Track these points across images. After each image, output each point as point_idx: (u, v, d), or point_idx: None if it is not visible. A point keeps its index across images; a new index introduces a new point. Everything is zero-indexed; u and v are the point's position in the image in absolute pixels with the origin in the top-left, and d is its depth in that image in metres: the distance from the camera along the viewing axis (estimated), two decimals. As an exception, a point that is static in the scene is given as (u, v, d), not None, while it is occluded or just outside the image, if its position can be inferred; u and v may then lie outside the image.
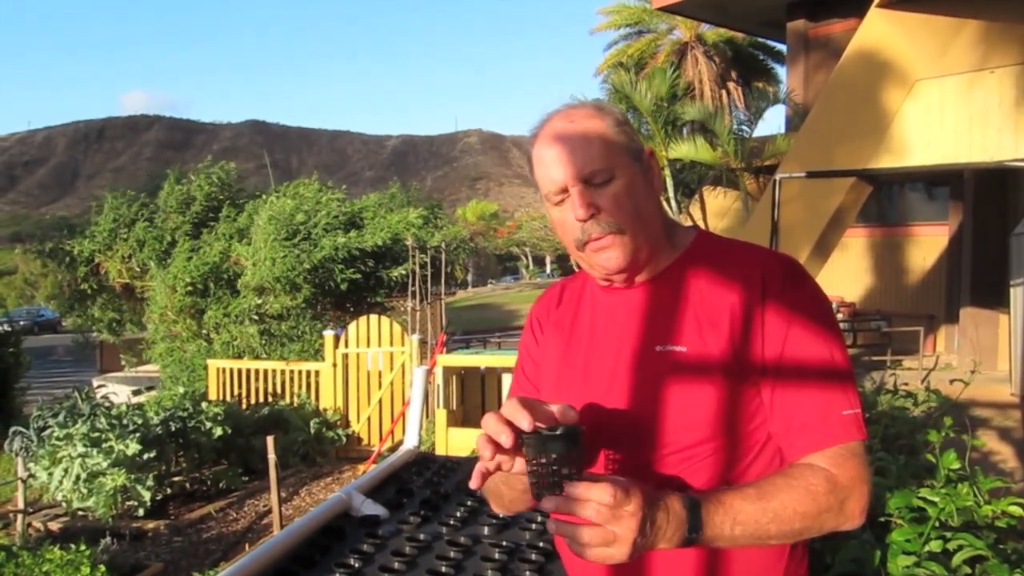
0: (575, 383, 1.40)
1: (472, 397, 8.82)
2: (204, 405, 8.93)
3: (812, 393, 1.27)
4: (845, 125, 9.28)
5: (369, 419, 9.76)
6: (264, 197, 13.46)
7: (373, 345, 9.77)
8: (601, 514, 1.09)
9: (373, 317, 9.99)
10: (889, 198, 14.25)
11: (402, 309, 12.35)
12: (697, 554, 1.27)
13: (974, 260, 11.92)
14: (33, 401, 11.59)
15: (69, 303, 15.30)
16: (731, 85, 23.69)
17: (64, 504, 7.62)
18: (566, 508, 1.11)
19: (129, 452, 7.43)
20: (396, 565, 2.22)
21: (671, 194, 17.27)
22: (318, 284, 11.53)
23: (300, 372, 10.33)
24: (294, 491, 8.32)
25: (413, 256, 11.27)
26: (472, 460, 3.54)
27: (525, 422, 1.16)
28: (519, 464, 1.21)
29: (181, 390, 9.69)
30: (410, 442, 3.53)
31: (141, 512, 7.54)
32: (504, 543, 2.40)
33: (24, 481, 7.46)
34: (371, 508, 2.71)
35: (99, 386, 12.26)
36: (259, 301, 11.34)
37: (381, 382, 9.74)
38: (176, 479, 8.36)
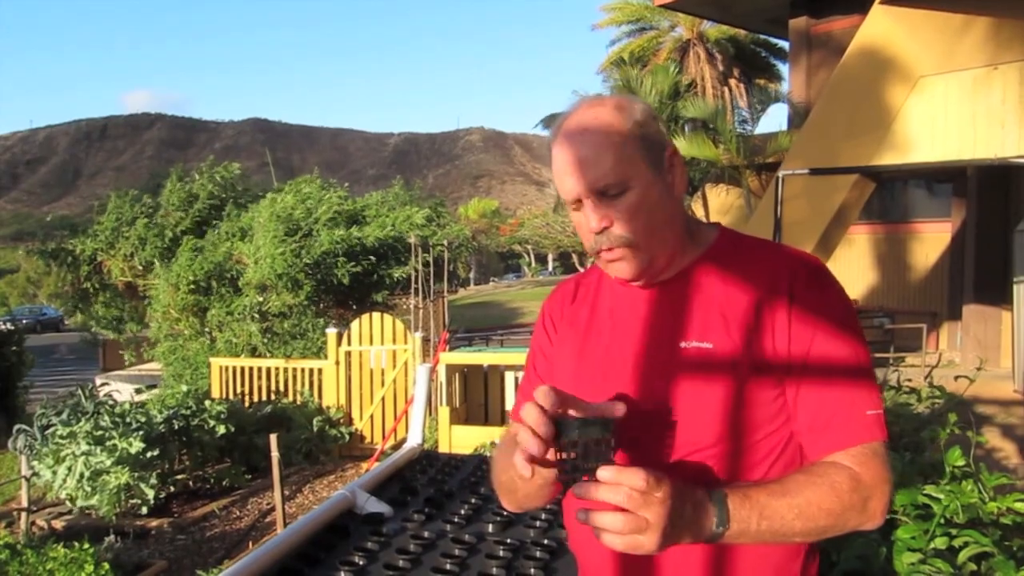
0: (594, 379, 1.38)
1: (475, 395, 8.82)
2: (207, 403, 8.93)
3: (837, 393, 1.28)
4: (848, 122, 9.25)
5: (372, 417, 9.77)
6: (267, 195, 13.47)
7: (376, 343, 9.77)
8: (633, 499, 1.08)
9: (376, 315, 9.99)
10: (892, 195, 14.22)
11: (405, 307, 12.36)
12: (711, 552, 1.27)
13: (977, 257, 11.90)
14: (36, 399, 11.61)
15: (72, 302, 15.34)
16: (733, 82, 23.67)
17: (68, 502, 7.63)
18: (597, 494, 1.10)
19: (132, 450, 7.43)
20: (401, 563, 2.22)
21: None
22: (320, 280, 11.52)
23: (303, 370, 10.33)
24: (297, 489, 8.32)
25: (416, 254, 11.27)
26: (475, 458, 3.54)
27: (561, 409, 1.18)
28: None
29: (184, 388, 9.69)
30: (414, 440, 3.53)
31: (144, 510, 7.55)
32: (509, 540, 2.40)
33: (28, 479, 7.47)
34: (375, 506, 2.71)
35: (102, 384, 12.27)
36: (261, 299, 11.35)
37: (384, 380, 9.74)
38: (179, 477, 8.37)
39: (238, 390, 10.48)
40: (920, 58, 8.68)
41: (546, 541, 2.37)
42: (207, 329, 12.05)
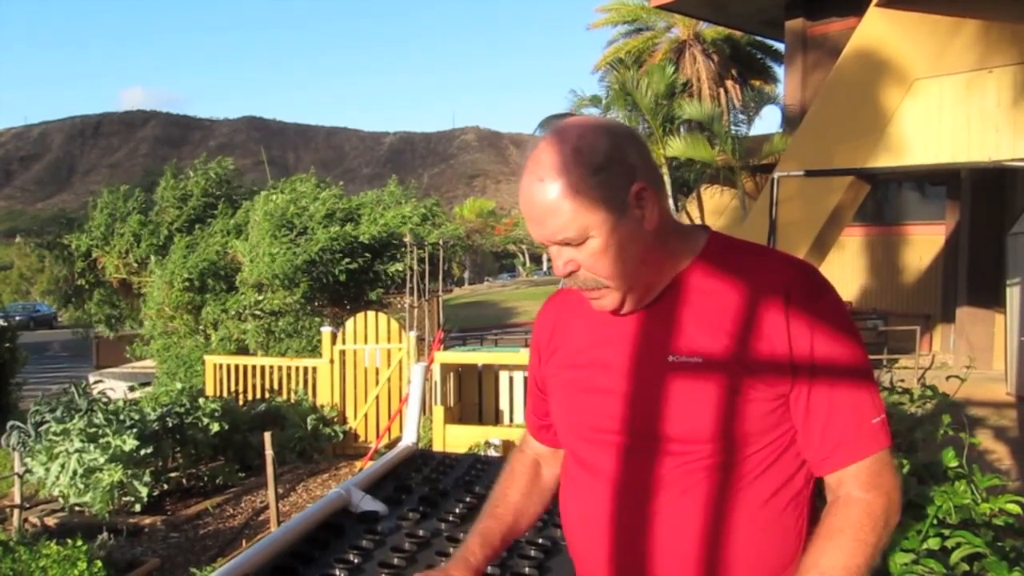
0: (585, 397, 1.38)
1: (469, 394, 8.82)
2: (201, 401, 8.92)
3: (842, 405, 1.27)
4: (843, 124, 9.28)
5: (366, 416, 9.76)
6: (261, 193, 13.46)
7: (371, 342, 9.76)
8: None
9: (371, 314, 9.98)
10: (886, 197, 14.27)
11: (399, 306, 12.35)
12: (705, 554, 1.27)
13: (970, 259, 11.94)
14: (29, 396, 11.58)
15: (66, 298, 15.30)
16: (729, 83, 23.72)
17: (61, 499, 7.61)
18: None
19: (126, 448, 7.41)
20: (396, 561, 2.22)
21: (668, 192, 17.28)
22: (315, 278, 11.52)
23: (297, 368, 10.32)
24: (291, 487, 8.32)
25: (411, 252, 11.27)
26: (470, 457, 3.54)
27: None
28: None
29: (178, 386, 9.68)
30: (408, 438, 3.53)
31: (138, 508, 7.53)
32: (503, 540, 2.40)
33: (21, 476, 7.45)
34: (370, 504, 2.70)
35: (95, 381, 12.24)
36: (259, 297, 11.34)
37: (378, 379, 9.74)
38: (173, 475, 8.35)
39: (232, 388, 10.47)
40: (915, 61, 8.71)
41: (541, 540, 2.37)
42: (201, 327, 12.03)
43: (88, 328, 16.81)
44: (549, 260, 1.37)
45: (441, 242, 12.03)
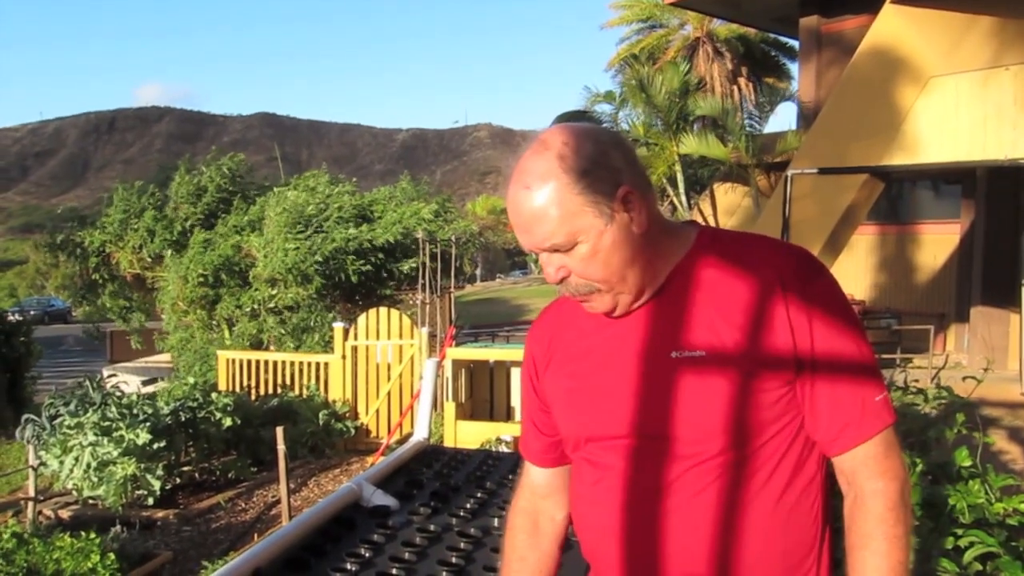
0: (589, 404, 1.37)
1: (481, 390, 8.83)
2: (214, 396, 8.96)
3: (846, 387, 1.28)
4: (858, 122, 9.24)
5: (378, 411, 9.79)
6: (275, 189, 13.52)
7: (382, 338, 9.78)
8: None
9: (383, 310, 10.00)
10: (900, 195, 14.19)
11: (411, 302, 12.38)
12: (718, 548, 1.27)
13: (985, 258, 11.86)
14: (44, 390, 11.65)
15: (80, 293, 15.40)
16: (742, 81, 23.64)
17: (75, 492, 7.66)
18: None
19: (139, 441, 7.46)
20: (407, 555, 2.23)
21: (681, 190, 17.25)
22: (328, 276, 11.56)
23: (309, 364, 10.35)
24: (303, 482, 8.35)
25: (423, 249, 11.29)
26: (481, 453, 3.55)
27: None
28: None
29: (191, 380, 9.72)
30: (420, 434, 3.53)
31: (151, 501, 7.57)
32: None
33: (35, 469, 7.50)
34: (381, 499, 2.71)
35: (109, 376, 12.31)
36: (272, 292, 11.39)
37: (390, 375, 9.76)
38: (185, 469, 8.40)
39: (245, 383, 10.51)
40: (931, 58, 8.65)
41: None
42: (215, 322, 12.09)
43: (102, 323, 16.91)
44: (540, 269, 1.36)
45: (453, 238, 12.05)
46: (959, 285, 12.98)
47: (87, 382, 8.99)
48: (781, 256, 1.31)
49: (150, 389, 10.85)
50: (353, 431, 9.65)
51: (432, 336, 9.97)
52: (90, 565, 5.42)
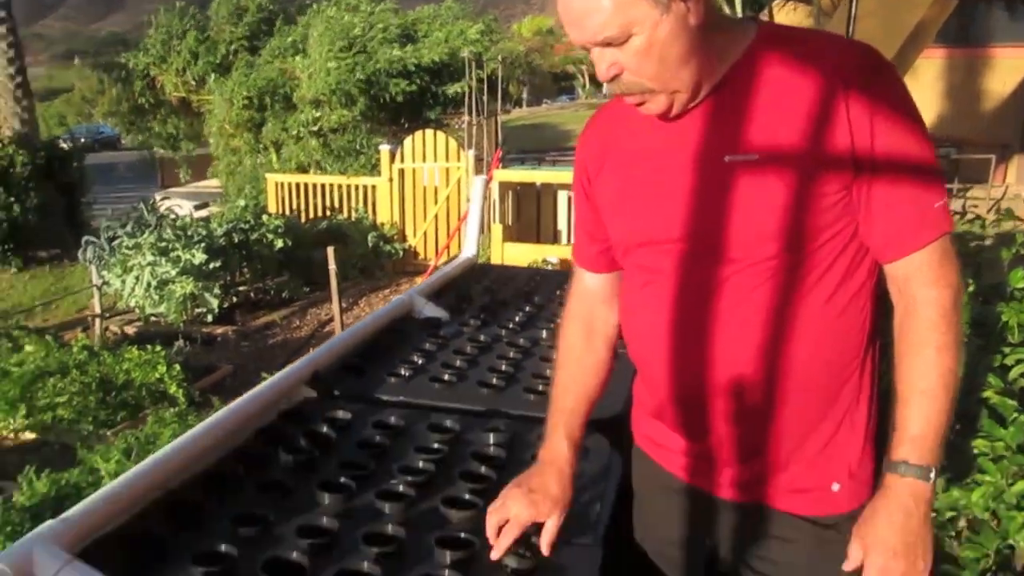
0: (639, 205, 1.34)
1: (527, 213, 8.84)
2: (265, 218, 9.10)
3: (905, 191, 1.22)
4: (932, -71, 8.58)
5: (425, 234, 9.89)
6: (316, 6, 13.17)
7: (429, 160, 9.74)
8: None
9: (429, 132, 9.91)
10: (973, 16, 13.34)
11: (457, 127, 12.23)
12: (768, 354, 1.27)
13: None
14: (100, 215, 11.92)
15: (128, 119, 15.45)
16: None
17: (137, 310, 7.98)
18: None
19: (195, 261, 7.67)
20: (458, 363, 2.28)
21: (738, 8, 16.43)
22: (373, 97, 11.41)
23: (357, 187, 10.40)
24: (354, 302, 8.58)
25: (469, 71, 11.02)
26: (529, 270, 3.58)
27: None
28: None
29: (242, 203, 9.85)
30: (469, 251, 3.56)
31: (210, 318, 7.88)
32: (563, 345, 2.45)
33: (99, 288, 7.79)
34: (433, 311, 2.77)
35: (162, 199, 12.54)
36: (317, 114, 11.31)
37: (437, 197, 9.79)
38: (241, 288, 8.67)
39: (294, 206, 10.63)
40: None
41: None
42: (262, 145, 12.11)
43: (151, 149, 17.05)
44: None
45: (500, 58, 11.73)
46: (1027, 113, 12.44)
47: (142, 205, 9.17)
48: (843, 51, 1.24)
49: (203, 213, 11.05)
50: (401, 253, 9.79)
51: (478, 159, 9.90)
52: (157, 375, 5.72)
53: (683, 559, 1.48)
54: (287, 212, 10.43)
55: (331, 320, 7.79)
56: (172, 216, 9.07)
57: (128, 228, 8.47)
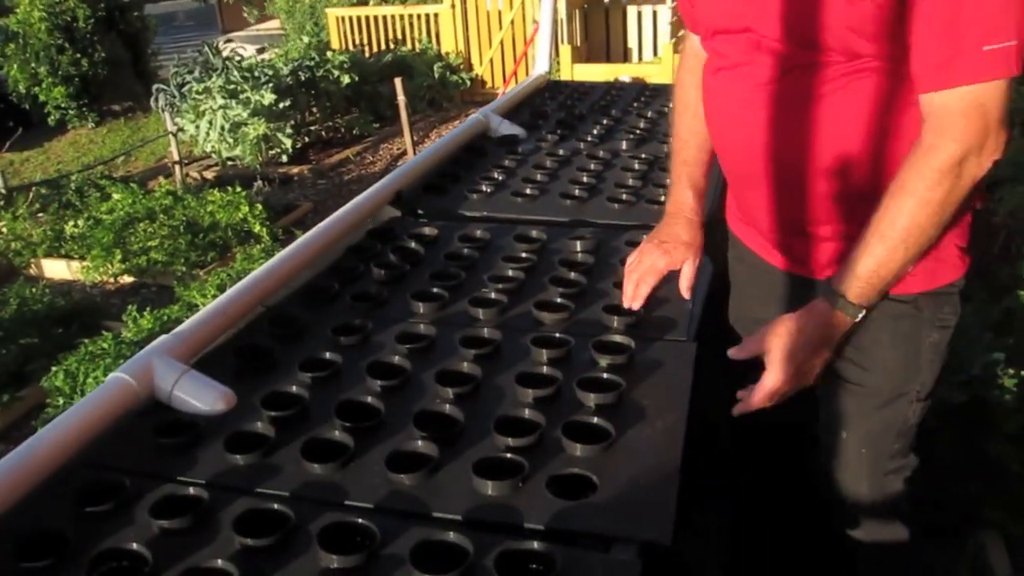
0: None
1: (597, 32, 8.53)
2: (329, 55, 8.99)
3: (938, 23, 1.09)
4: None
5: (492, 61, 9.65)
6: None
7: (491, -18, 9.39)
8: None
9: (489, -48, 9.50)
10: None
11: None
12: (816, 140, 1.26)
13: None
14: (165, 64, 11.91)
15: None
16: None
17: (214, 155, 8.10)
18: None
19: (265, 102, 7.68)
20: (539, 177, 2.26)
21: None
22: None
23: (419, 16, 10.12)
24: (424, 134, 8.53)
25: None
26: (604, 85, 3.47)
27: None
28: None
29: (305, 40, 9.71)
30: (541, 68, 3.47)
31: (284, 159, 7.96)
32: (644, 155, 2.41)
33: (175, 135, 7.89)
34: (508, 128, 2.73)
35: (226, 41, 12.44)
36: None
37: (501, 23, 9.48)
38: (312, 128, 8.69)
39: (357, 41, 10.44)
40: None
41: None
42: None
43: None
44: None
45: None
46: None
47: (207, 49, 9.11)
48: None
49: (267, 56, 10.96)
50: (468, 83, 9.62)
51: (542, -23, 9.48)
52: (241, 215, 5.86)
53: None
54: (350, 47, 10.26)
55: (403, 154, 7.79)
56: (237, 58, 9.02)
57: (196, 73, 8.47)
